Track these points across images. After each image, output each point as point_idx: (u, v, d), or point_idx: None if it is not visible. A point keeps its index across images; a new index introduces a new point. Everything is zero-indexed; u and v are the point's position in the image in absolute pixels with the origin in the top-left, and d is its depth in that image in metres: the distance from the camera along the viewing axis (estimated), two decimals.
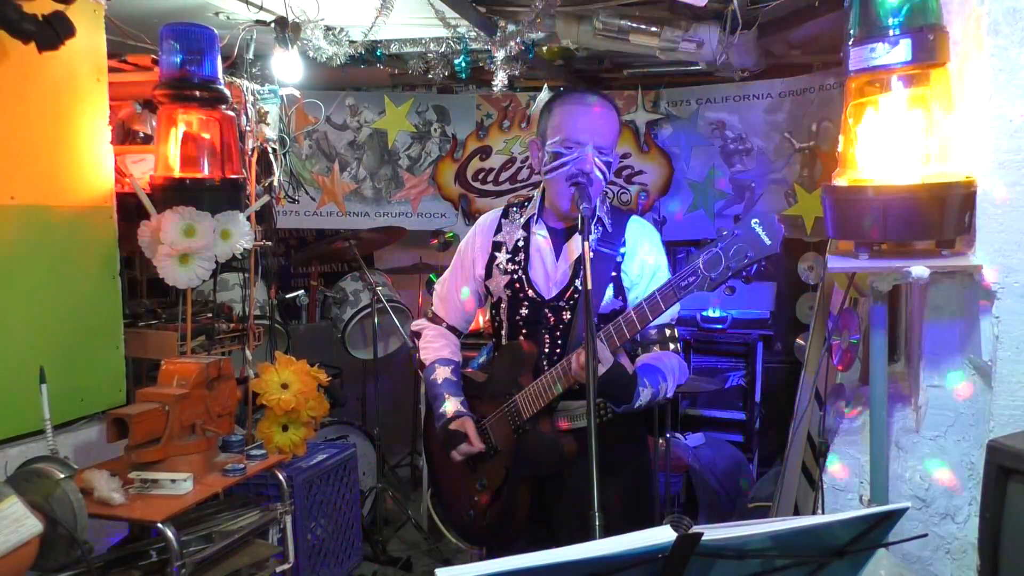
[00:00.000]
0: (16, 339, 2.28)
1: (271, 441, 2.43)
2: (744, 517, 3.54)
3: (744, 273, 1.71)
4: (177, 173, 2.62)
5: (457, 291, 2.27)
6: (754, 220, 1.69)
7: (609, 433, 2.01)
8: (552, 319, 2.06)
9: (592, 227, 2.05)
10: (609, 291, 2.03)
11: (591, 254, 2.01)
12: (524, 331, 2.10)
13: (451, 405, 2.14)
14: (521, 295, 2.10)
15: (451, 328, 2.31)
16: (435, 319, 2.31)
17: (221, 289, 3.30)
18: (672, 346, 2.06)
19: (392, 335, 4.40)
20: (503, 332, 2.15)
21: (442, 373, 2.20)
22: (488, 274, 2.17)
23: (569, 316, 2.04)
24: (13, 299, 2.28)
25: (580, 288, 2.00)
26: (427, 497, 4.14)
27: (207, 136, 2.66)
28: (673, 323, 2.09)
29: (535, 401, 1.99)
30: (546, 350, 2.06)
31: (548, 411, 2.01)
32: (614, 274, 2.05)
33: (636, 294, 2.02)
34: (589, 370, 1.60)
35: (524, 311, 2.09)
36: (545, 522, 2.10)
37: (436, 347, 2.26)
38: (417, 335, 2.33)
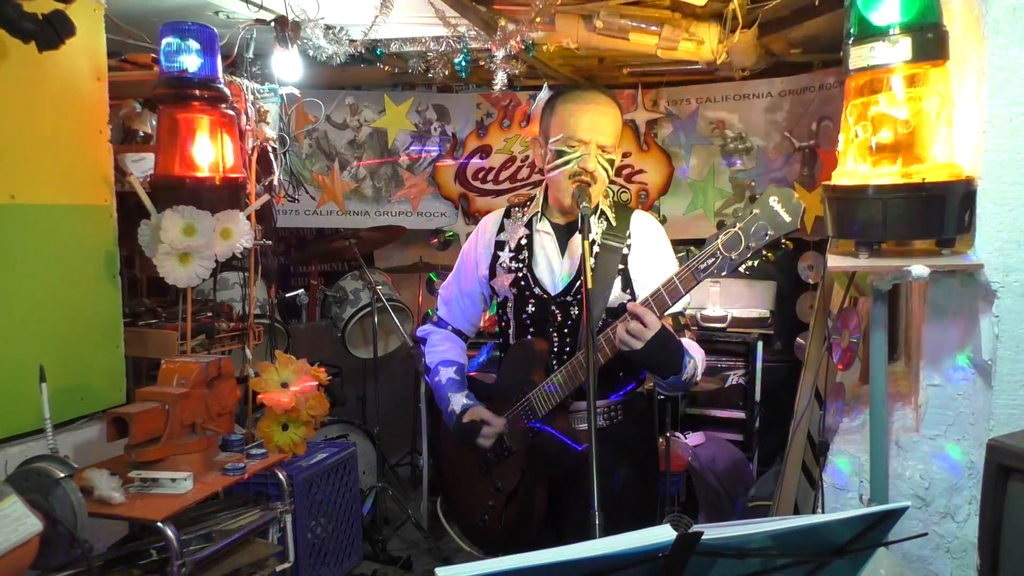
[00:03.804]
0: (16, 338, 2.27)
1: (271, 440, 2.43)
2: (744, 517, 3.54)
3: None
4: (177, 172, 2.62)
5: (461, 294, 2.25)
6: (772, 197, 1.64)
7: (623, 435, 1.99)
8: (559, 315, 2.04)
9: (595, 221, 2.03)
10: (616, 285, 2.01)
11: (596, 248, 2.00)
12: (531, 329, 2.08)
13: (458, 401, 2.12)
14: (527, 292, 2.08)
15: (456, 332, 2.29)
16: (439, 323, 2.30)
17: (221, 288, 3.30)
18: (687, 333, 2.03)
19: (392, 334, 4.40)
20: (510, 331, 2.13)
21: (445, 374, 2.18)
22: (492, 274, 2.16)
23: (576, 312, 2.02)
24: (13, 298, 2.27)
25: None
26: (427, 497, 4.14)
27: (207, 135, 2.65)
28: (684, 312, 2.05)
29: (551, 397, 1.96)
30: (555, 348, 2.04)
31: (563, 408, 1.98)
32: (621, 267, 2.02)
33: (645, 286, 1.97)
34: (590, 370, 1.60)
35: (531, 308, 2.08)
36: (556, 526, 2.06)
37: (440, 350, 2.25)
38: (422, 341, 2.31)
